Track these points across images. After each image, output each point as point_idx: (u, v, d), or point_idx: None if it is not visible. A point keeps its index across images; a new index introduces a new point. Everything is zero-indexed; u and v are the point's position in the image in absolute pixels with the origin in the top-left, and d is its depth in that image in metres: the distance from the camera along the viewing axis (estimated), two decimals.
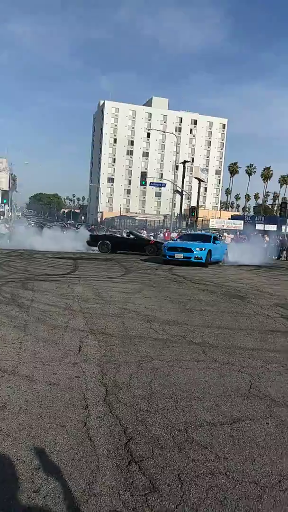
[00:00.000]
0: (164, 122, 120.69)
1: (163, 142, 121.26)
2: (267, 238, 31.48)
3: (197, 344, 5.61)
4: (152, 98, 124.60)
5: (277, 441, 3.18)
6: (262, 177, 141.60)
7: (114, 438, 3.08)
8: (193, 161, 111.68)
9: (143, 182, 45.34)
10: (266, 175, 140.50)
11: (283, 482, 2.68)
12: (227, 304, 8.86)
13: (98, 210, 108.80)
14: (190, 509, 2.40)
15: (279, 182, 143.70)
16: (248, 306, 8.74)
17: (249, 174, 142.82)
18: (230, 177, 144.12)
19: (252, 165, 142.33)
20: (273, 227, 48.37)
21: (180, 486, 2.61)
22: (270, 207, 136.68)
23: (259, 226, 52.67)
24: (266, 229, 48.34)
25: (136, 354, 5.06)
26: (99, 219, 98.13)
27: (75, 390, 3.89)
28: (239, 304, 8.93)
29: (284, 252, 28.57)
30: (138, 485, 2.57)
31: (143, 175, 46.41)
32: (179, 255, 17.79)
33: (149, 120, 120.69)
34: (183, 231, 40.57)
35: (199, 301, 9.01)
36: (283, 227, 41.14)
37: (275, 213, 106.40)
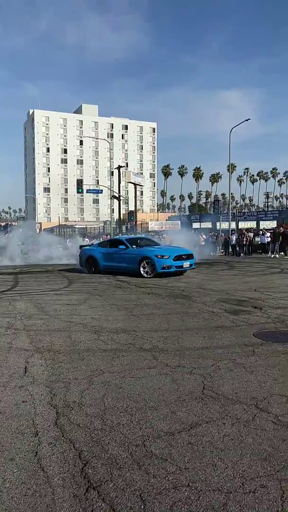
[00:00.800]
0: (96, 129, 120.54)
1: (96, 148, 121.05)
2: (204, 236, 32.28)
3: (147, 350, 5.51)
4: (81, 105, 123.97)
5: (235, 441, 3.15)
6: (193, 177, 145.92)
7: (68, 465, 2.88)
8: (127, 166, 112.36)
9: (80, 190, 44.76)
10: (197, 175, 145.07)
11: (246, 484, 2.64)
12: (173, 305, 8.88)
13: (36, 221, 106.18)
14: None
15: (210, 181, 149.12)
16: (193, 305, 8.81)
17: (182, 175, 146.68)
18: (164, 179, 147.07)
19: (184, 166, 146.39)
20: (208, 224, 49.83)
21: (143, 506, 2.47)
22: (204, 205, 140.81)
23: (195, 225, 54.04)
24: (202, 226, 49.69)
25: (86, 368, 4.86)
26: (38, 230, 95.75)
27: (23, 417, 3.63)
28: (184, 304, 8.98)
29: (230, 247, 29.55)
30: None
31: (79, 183, 45.85)
32: (186, 264, 14.85)
33: (81, 127, 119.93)
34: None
35: (145, 305, 8.95)
36: (218, 223, 42.50)
37: (208, 211, 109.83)
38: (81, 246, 19.37)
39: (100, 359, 5.20)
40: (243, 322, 7.02)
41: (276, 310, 8.02)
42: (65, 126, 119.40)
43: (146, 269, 14.59)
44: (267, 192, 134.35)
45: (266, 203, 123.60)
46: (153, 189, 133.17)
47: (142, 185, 60.82)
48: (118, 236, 28.22)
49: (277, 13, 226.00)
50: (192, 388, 4.21)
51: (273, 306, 8.48)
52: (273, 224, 43.65)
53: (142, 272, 14.57)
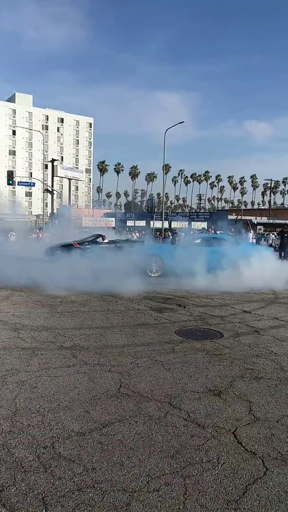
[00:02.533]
0: (30, 120, 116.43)
1: (30, 140, 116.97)
2: (136, 234, 32.58)
3: (67, 349, 5.39)
4: (15, 94, 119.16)
5: (145, 439, 3.15)
6: (130, 175, 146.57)
7: None
8: (62, 159, 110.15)
9: (10, 182, 43.04)
10: (134, 173, 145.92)
11: (151, 482, 2.64)
12: (99, 302, 8.80)
13: None
14: None
15: (146, 180, 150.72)
16: (120, 302, 8.80)
17: (118, 172, 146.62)
18: (100, 176, 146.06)
19: (120, 163, 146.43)
20: (142, 223, 50.38)
21: (44, 510, 2.38)
22: (139, 203, 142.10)
23: (130, 223, 54.30)
24: (136, 225, 50.08)
25: (0, 368, 4.63)
26: None
27: None
28: (111, 301, 8.94)
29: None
30: None
31: (10, 174, 44.05)
32: None
33: (14, 117, 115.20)
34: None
35: (71, 302, 8.78)
36: (151, 222, 43.06)
37: (144, 210, 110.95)
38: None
39: (16, 358, 4.99)
40: (166, 320, 7.12)
41: (198, 308, 8.24)
42: None
43: None
44: (199, 194, 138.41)
45: (199, 205, 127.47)
46: (89, 184, 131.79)
47: (79, 180, 59.92)
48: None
49: (214, 26, 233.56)
50: (109, 386, 4.17)
51: (196, 304, 8.71)
52: (204, 225, 45.13)
53: None
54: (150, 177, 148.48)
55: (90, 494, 2.52)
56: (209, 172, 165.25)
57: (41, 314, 7.47)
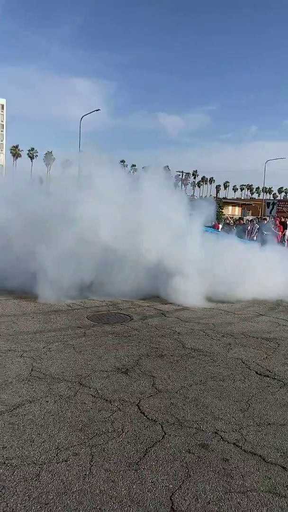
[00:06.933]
0: None
1: None
2: None
3: None
4: None
5: (55, 417, 3.34)
6: (44, 161, 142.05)
7: None
8: None
9: None
10: (48, 159, 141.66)
11: (60, 454, 2.85)
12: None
13: None
14: None
15: (62, 167, 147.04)
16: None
17: (31, 158, 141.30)
18: (13, 161, 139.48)
19: (34, 148, 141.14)
20: None
21: None
22: None
23: None
24: None
25: None
26: None
27: None
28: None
29: None
30: None
31: None
32: None
33: None
34: None
35: None
36: None
37: None
38: None
39: None
40: (79, 306, 7.29)
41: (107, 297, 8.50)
42: None
43: None
44: None
45: None
46: (1, 170, 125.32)
47: None
48: None
49: (129, 12, 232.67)
50: (20, 370, 4.26)
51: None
52: None
53: None
54: (66, 164, 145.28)
55: (1, 470, 2.66)
56: (125, 161, 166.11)
57: None
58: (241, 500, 2.47)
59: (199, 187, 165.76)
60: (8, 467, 2.69)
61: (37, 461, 2.76)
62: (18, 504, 2.35)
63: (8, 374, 4.17)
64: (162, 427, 3.25)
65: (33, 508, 2.33)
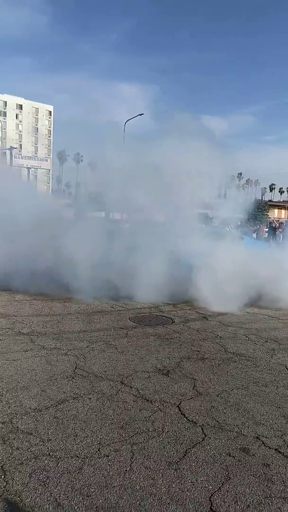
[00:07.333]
0: None
1: None
2: None
3: (25, 334, 5.56)
4: None
5: (98, 413, 3.43)
6: (89, 166, 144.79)
7: None
8: (21, 147, 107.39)
9: None
10: (94, 164, 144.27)
11: (102, 449, 2.93)
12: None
13: None
14: (13, 496, 2.44)
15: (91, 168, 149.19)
16: None
17: (77, 162, 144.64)
18: (60, 165, 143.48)
19: (79, 153, 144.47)
20: (102, 214, 50.25)
21: (3, 476, 2.61)
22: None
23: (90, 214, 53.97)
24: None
25: None
26: None
27: None
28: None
29: None
30: None
31: None
32: None
33: None
34: None
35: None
36: (111, 214, 43.04)
37: None
38: None
39: None
40: (122, 307, 7.41)
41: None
42: None
43: None
44: None
45: None
46: (48, 174, 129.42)
47: (41, 168, 59.03)
48: None
49: (173, 20, 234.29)
50: (65, 368, 4.41)
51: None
52: None
53: None
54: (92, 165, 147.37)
55: (46, 461, 2.78)
56: None
57: None
58: (282, 505, 2.44)
59: (243, 190, 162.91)
60: (52, 459, 2.81)
61: (80, 455, 2.86)
62: (62, 495, 2.45)
63: (54, 370, 4.33)
64: (202, 429, 3.26)
65: (76, 499, 2.42)
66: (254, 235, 20.48)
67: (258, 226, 23.41)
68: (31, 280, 7.99)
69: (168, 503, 2.41)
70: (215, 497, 2.48)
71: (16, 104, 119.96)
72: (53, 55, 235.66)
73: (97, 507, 2.36)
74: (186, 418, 3.43)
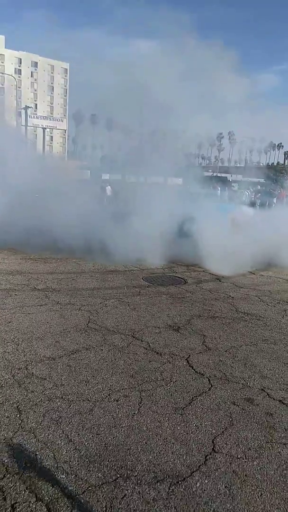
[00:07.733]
0: (2, 62, 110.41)
1: (1, 85, 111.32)
2: (109, 188, 32.32)
3: (41, 290, 5.71)
4: None
5: (109, 363, 3.58)
6: (106, 127, 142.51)
7: None
8: (36, 107, 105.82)
9: None
10: (110, 126, 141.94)
11: (112, 395, 3.08)
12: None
13: None
14: (28, 433, 2.60)
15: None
16: None
17: (94, 123, 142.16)
18: (76, 126, 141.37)
19: (95, 114, 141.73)
20: (118, 176, 49.81)
21: (18, 415, 2.78)
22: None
23: (105, 176, 53.60)
24: (111, 178, 49.46)
25: None
26: None
27: None
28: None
29: None
30: None
31: None
32: None
33: None
34: None
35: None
36: (126, 176, 42.58)
37: None
38: None
39: None
40: (136, 268, 7.50)
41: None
42: None
43: None
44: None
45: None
46: (64, 135, 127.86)
47: (56, 128, 58.25)
48: None
49: None
50: (78, 322, 4.55)
51: None
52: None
53: None
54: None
55: (59, 403, 2.94)
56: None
57: (14, 260, 7.71)
58: (282, 450, 2.55)
59: (265, 153, 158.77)
60: (65, 401, 2.96)
61: (91, 399, 3.01)
62: (73, 432, 2.61)
63: (67, 324, 4.48)
64: (209, 380, 3.38)
65: (86, 436, 2.58)
66: (274, 200, 20.11)
67: (278, 191, 23.02)
68: (45, 241, 8.13)
69: (173, 443, 2.55)
70: (218, 439, 2.61)
71: (32, 61, 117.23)
72: (69, 11, 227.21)
73: (105, 444, 2.52)
74: (194, 370, 3.55)
